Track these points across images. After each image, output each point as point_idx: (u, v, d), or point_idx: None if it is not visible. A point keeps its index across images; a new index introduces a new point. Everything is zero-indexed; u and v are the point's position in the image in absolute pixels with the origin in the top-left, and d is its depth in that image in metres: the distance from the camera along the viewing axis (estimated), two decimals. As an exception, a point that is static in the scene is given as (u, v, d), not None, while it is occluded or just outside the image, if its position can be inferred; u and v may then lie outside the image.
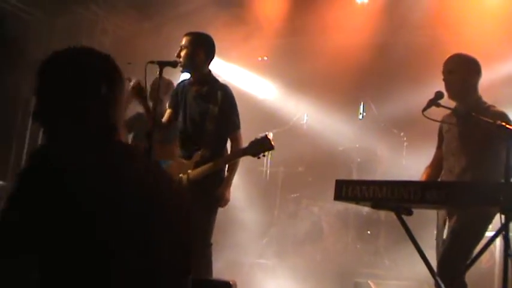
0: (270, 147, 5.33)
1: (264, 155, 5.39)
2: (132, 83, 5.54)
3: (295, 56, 10.19)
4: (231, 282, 3.49)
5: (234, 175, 5.61)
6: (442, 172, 5.12)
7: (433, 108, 4.77)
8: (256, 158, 5.43)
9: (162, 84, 5.51)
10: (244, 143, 5.49)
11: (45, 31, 12.08)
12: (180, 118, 5.81)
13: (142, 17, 10.79)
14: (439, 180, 5.11)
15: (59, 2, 10.75)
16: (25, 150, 12.51)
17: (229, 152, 5.65)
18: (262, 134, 5.38)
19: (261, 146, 5.31)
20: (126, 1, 10.89)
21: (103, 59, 2.24)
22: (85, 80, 2.14)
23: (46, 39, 12.12)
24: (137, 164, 2.06)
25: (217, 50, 5.85)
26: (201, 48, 5.69)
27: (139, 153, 2.22)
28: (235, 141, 5.61)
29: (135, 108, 6.55)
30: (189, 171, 5.46)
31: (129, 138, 6.94)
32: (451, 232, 4.77)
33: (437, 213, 5.08)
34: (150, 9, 10.40)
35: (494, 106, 4.94)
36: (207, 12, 9.49)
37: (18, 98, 12.24)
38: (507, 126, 4.24)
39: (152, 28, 10.37)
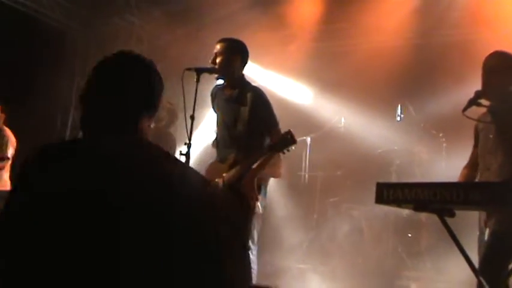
0: (293, 142, 5.38)
1: (288, 150, 5.42)
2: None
3: (331, 59, 10.15)
4: (272, 287, 3.48)
5: (259, 170, 5.59)
6: (478, 171, 5.05)
7: (472, 107, 4.71)
8: (282, 154, 5.49)
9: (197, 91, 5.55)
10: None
11: (81, 41, 12.23)
12: (216, 122, 5.88)
13: (177, 24, 10.86)
14: (476, 179, 5.04)
15: (94, 13, 10.88)
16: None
17: None
18: (285, 130, 5.41)
19: (284, 142, 5.36)
20: (161, 9, 10.97)
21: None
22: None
23: (83, 49, 12.28)
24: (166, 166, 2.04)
25: (252, 55, 5.87)
26: (237, 55, 5.74)
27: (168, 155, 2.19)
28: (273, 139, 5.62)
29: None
30: (223, 174, 5.49)
31: None
32: (492, 233, 4.69)
33: (479, 214, 5.00)
34: (185, 16, 10.45)
35: None
36: (242, 17, 9.50)
37: (57, 106, 12.41)
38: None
39: (187, 35, 10.41)
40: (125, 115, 2.12)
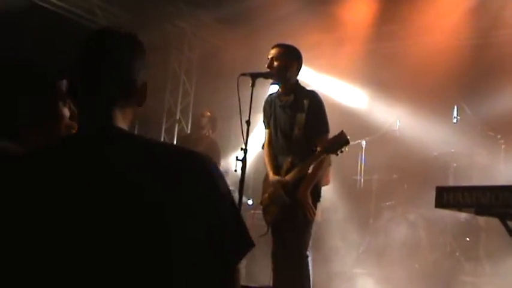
0: (346, 142, 5.38)
1: (342, 151, 5.41)
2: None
3: (385, 61, 10.07)
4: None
5: (315, 176, 5.58)
6: None
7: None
8: (335, 155, 5.51)
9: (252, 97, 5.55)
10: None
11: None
12: (272, 130, 5.87)
13: (228, 29, 10.89)
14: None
15: (146, 20, 10.96)
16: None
17: None
18: (338, 131, 5.40)
19: (337, 143, 5.35)
20: (212, 15, 11.02)
21: None
22: None
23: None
24: None
25: (305, 58, 5.86)
26: (294, 61, 5.75)
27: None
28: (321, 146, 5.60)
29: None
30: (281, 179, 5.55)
31: None
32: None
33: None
34: (235, 21, 10.47)
35: None
36: (293, 20, 9.49)
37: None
38: None
39: (238, 40, 10.43)
40: (99, 105, 1.98)
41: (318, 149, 5.47)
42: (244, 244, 1.91)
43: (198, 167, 1.91)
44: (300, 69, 5.83)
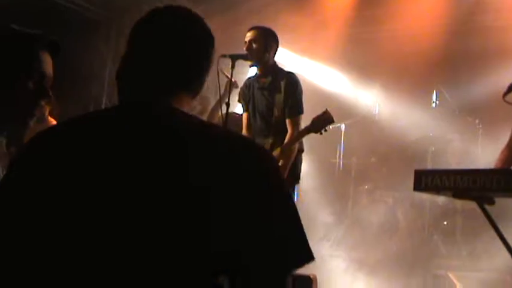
0: (331, 120, 5.39)
1: (325, 130, 5.40)
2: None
3: (365, 45, 10.06)
4: (311, 276, 3.45)
5: (290, 161, 5.60)
6: None
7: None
8: (319, 134, 5.51)
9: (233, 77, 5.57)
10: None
11: (114, 31, 12.29)
12: (250, 113, 5.88)
13: (208, 14, 10.83)
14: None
15: (128, 2, 10.91)
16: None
17: None
18: (322, 110, 5.42)
19: (321, 121, 5.36)
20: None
21: None
22: None
23: (115, 39, 12.34)
24: None
25: (285, 41, 5.88)
26: (272, 43, 5.78)
27: None
28: (295, 126, 5.61)
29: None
30: None
31: None
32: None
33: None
34: (216, 6, 10.44)
35: None
36: (274, 6, 9.47)
37: (89, 95, 12.52)
38: None
39: (219, 25, 10.37)
40: (158, 89, 1.89)
41: (292, 131, 5.50)
42: (305, 255, 1.76)
43: (267, 164, 1.81)
44: (277, 50, 5.85)
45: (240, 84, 6.20)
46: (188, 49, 1.93)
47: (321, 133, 5.47)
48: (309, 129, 5.46)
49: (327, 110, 5.42)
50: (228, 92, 6.03)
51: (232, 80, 5.89)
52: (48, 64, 2.36)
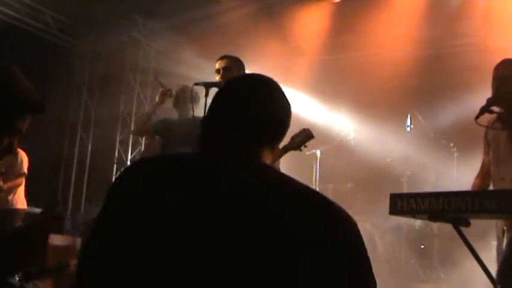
0: (310, 136, 5.32)
1: (305, 146, 5.38)
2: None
3: (338, 71, 10.14)
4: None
5: None
6: (491, 180, 4.99)
7: (483, 116, 4.65)
8: (299, 150, 5.44)
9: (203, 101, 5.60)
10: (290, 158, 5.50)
11: (89, 60, 12.33)
12: None
13: (182, 38, 10.90)
14: (490, 188, 4.98)
15: (101, 33, 10.96)
16: (73, 176, 12.69)
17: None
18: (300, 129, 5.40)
19: (301, 137, 5.33)
20: (166, 25, 11.02)
21: None
22: None
23: (90, 68, 12.38)
24: None
25: (259, 69, 5.90)
26: (242, 71, 5.84)
27: None
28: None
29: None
30: None
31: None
32: (510, 242, 4.63)
33: (496, 224, 4.94)
34: (190, 34, 10.50)
35: None
36: (251, 33, 9.53)
37: (65, 124, 12.48)
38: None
39: (194, 55, 10.43)
40: (247, 144, 1.99)
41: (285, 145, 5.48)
42: None
43: (350, 227, 1.78)
44: None
45: None
46: (278, 111, 2.15)
47: (301, 150, 5.44)
48: (286, 148, 5.43)
49: (304, 128, 5.40)
50: (161, 100, 6.37)
51: (167, 88, 6.25)
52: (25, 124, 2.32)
